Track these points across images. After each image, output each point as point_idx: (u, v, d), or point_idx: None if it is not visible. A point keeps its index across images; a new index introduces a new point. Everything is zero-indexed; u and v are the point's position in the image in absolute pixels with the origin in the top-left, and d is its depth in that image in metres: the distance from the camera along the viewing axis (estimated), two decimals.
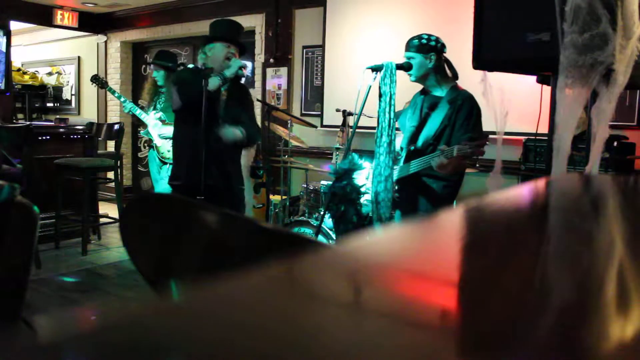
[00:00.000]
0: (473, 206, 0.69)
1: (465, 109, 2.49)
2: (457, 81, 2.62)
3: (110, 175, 5.13)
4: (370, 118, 3.00)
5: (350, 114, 3.86)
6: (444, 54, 2.62)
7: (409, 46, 2.61)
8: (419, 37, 2.60)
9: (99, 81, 4.68)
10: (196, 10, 6.26)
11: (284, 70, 5.53)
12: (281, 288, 0.36)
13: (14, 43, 6.84)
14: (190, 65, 3.22)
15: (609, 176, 2.31)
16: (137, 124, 4.57)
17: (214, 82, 2.85)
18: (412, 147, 2.61)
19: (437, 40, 2.59)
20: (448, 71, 2.61)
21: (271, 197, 4.52)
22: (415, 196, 2.60)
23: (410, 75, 2.61)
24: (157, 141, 4.25)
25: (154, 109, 4.32)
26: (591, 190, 0.99)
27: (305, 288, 0.37)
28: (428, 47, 2.56)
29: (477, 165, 3.17)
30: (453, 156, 2.32)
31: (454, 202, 2.68)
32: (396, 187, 2.57)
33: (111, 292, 3.67)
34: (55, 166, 4.50)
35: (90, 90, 7.65)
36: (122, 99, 4.47)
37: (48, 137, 4.81)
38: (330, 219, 2.81)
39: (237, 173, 3.13)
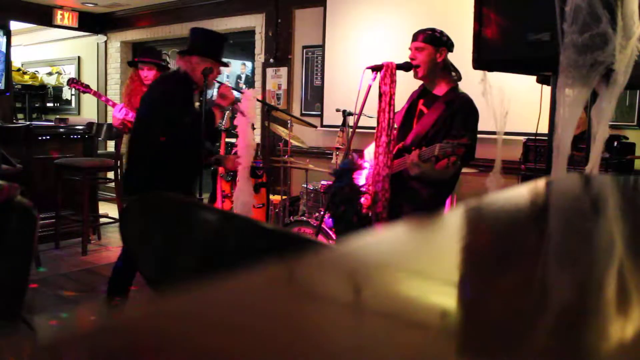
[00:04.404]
0: (473, 206, 0.69)
1: (462, 113, 2.41)
2: (458, 83, 2.57)
3: (110, 175, 5.13)
4: (370, 118, 3.00)
5: (350, 114, 3.85)
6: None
7: (419, 36, 2.50)
8: (432, 29, 2.50)
9: (78, 83, 4.35)
10: (196, 10, 6.26)
11: (284, 70, 5.53)
12: (281, 288, 0.36)
13: (14, 43, 6.84)
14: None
15: (609, 176, 2.31)
16: (118, 130, 4.21)
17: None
18: (402, 146, 2.53)
19: (448, 37, 2.52)
20: (452, 72, 2.54)
21: (271, 197, 4.52)
22: (399, 200, 2.50)
23: (416, 71, 2.51)
24: None
25: None
26: (591, 190, 0.99)
27: (305, 288, 0.37)
28: (440, 42, 2.48)
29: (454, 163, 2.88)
30: (434, 155, 2.22)
31: (442, 209, 2.59)
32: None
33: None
34: (55, 166, 4.50)
35: None
36: (111, 103, 4.30)
37: (48, 137, 4.81)
38: (330, 219, 2.80)
39: None
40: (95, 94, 4.44)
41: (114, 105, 4.09)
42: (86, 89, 4.30)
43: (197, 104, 2.93)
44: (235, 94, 2.98)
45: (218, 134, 3.11)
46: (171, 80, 2.88)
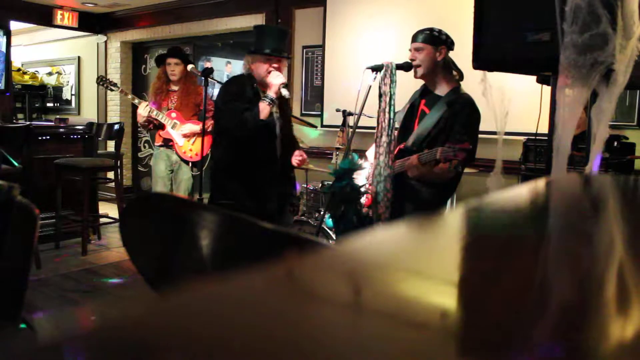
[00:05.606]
0: (473, 206, 0.69)
1: (464, 114, 2.40)
2: (461, 82, 2.56)
3: (110, 175, 5.13)
4: (370, 118, 3.00)
5: (350, 114, 3.85)
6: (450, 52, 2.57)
7: (417, 37, 2.51)
8: (430, 29, 2.51)
9: (106, 82, 4.55)
10: (196, 10, 6.26)
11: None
12: (281, 288, 0.36)
13: (14, 43, 6.84)
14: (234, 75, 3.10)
15: (609, 176, 2.31)
16: (142, 127, 4.41)
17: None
18: (403, 146, 2.53)
19: (448, 36, 2.52)
20: (454, 72, 2.55)
21: None
22: (401, 200, 2.50)
23: (415, 70, 2.52)
24: (178, 140, 4.19)
25: (167, 108, 4.25)
26: (591, 190, 0.99)
27: (305, 288, 0.37)
28: (439, 41, 2.48)
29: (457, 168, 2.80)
30: (435, 158, 2.23)
31: (443, 209, 2.60)
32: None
33: (111, 292, 3.67)
34: (55, 166, 4.50)
35: (90, 91, 7.65)
36: (137, 101, 4.37)
37: (48, 137, 4.81)
38: (330, 219, 2.80)
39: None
40: (122, 91, 4.68)
41: (140, 103, 4.19)
42: (114, 87, 4.56)
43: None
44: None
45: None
46: (234, 81, 3.04)
